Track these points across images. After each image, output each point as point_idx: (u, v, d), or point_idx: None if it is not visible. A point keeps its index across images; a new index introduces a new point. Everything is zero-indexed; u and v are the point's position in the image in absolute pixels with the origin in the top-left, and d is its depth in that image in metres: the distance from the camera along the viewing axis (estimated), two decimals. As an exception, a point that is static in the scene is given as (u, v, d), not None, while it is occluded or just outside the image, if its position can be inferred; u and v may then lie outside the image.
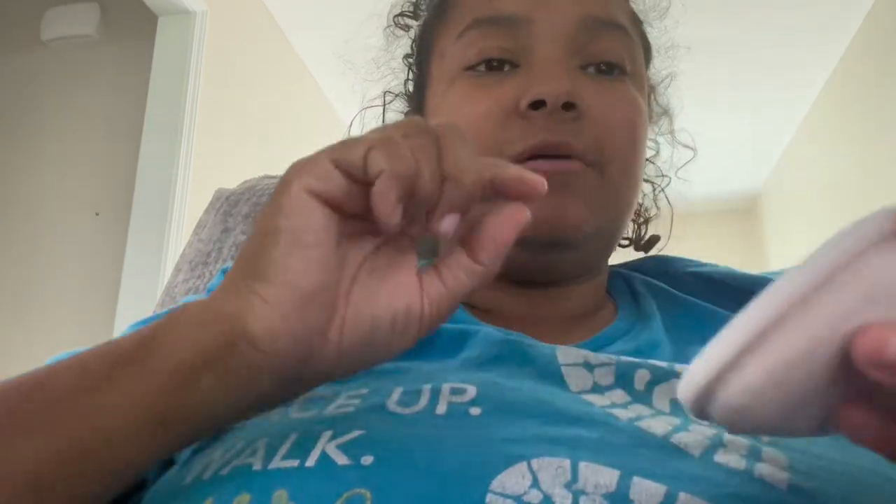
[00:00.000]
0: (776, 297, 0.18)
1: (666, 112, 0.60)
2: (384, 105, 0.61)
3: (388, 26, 0.61)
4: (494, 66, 0.46)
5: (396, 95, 0.61)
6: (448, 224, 0.27)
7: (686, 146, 0.61)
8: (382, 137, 0.26)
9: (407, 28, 0.60)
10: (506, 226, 0.28)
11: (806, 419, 0.20)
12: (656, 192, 0.62)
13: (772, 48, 2.65)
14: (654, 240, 0.60)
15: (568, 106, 0.42)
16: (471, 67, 0.46)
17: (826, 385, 0.19)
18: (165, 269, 1.79)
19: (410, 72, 0.59)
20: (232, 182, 0.83)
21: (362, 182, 0.26)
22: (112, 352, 0.28)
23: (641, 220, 0.61)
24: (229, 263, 0.52)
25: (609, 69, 0.46)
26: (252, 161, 2.21)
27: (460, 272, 0.29)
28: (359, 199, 0.26)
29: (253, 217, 0.72)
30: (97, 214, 2.01)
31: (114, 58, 2.16)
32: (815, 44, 2.65)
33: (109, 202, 2.00)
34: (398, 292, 0.28)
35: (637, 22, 0.52)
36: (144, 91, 1.99)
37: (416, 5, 0.59)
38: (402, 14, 0.60)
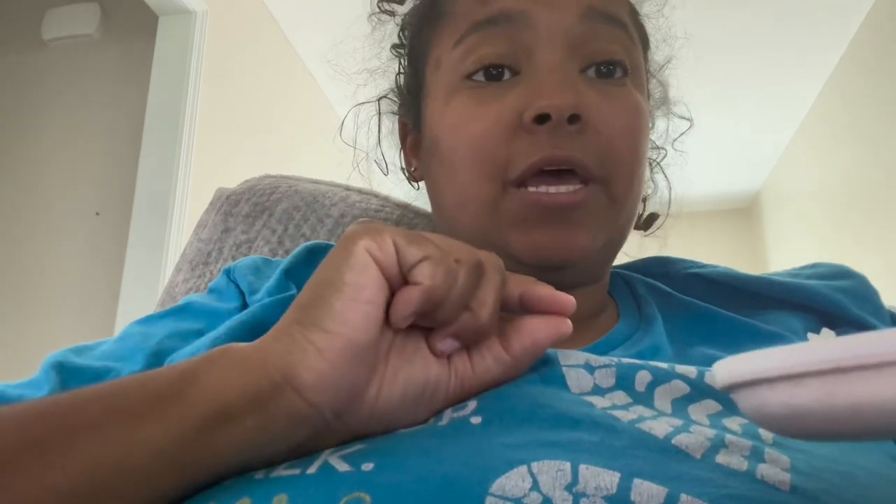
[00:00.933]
0: (887, 341, 0.16)
1: (665, 96, 0.59)
2: (379, 113, 0.61)
3: (373, 14, 0.59)
4: (494, 74, 0.45)
5: (386, 94, 0.60)
6: (447, 347, 0.30)
7: (682, 117, 0.60)
8: (439, 254, 0.29)
9: (392, 13, 0.58)
10: (547, 331, 0.32)
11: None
12: (653, 167, 0.61)
13: (770, 49, 2.65)
14: (653, 217, 0.60)
15: (573, 119, 0.42)
16: (470, 76, 0.45)
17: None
18: (166, 268, 1.79)
19: (400, 65, 0.58)
20: (232, 181, 0.83)
21: (402, 277, 0.29)
22: (148, 384, 0.28)
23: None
24: (230, 263, 0.52)
25: (610, 71, 0.45)
26: (252, 160, 2.21)
27: (489, 358, 0.32)
28: (397, 283, 0.29)
29: (253, 217, 0.72)
30: (98, 214, 2.02)
31: (114, 57, 2.16)
32: (814, 44, 2.65)
33: (110, 202, 2.00)
34: (430, 362, 0.31)
35: (634, 13, 0.52)
36: (145, 91, 1.99)
37: None
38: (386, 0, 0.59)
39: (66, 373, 0.40)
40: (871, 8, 2.44)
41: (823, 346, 0.17)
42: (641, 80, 0.49)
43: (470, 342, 0.31)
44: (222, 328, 0.42)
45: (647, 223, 0.59)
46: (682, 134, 0.61)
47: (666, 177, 0.61)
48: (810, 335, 0.30)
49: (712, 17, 2.40)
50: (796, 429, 0.19)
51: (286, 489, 0.25)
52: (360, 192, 0.76)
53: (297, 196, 0.74)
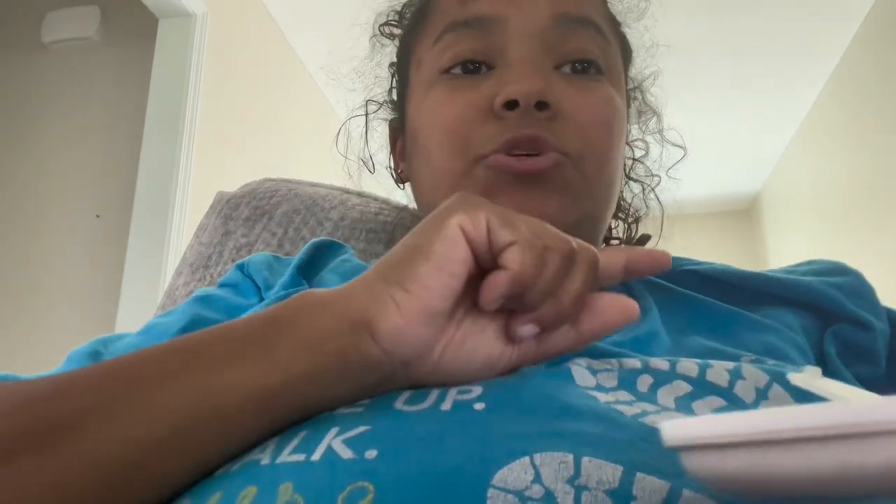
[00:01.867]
0: (803, 417, 0.17)
1: (654, 110, 0.60)
2: (366, 115, 0.62)
3: (374, 35, 0.61)
4: (470, 68, 0.47)
5: (381, 104, 0.62)
6: (526, 332, 0.31)
7: (675, 145, 0.62)
8: (531, 239, 0.29)
9: (392, 37, 0.60)
10: (618, 315, 0.33)
11: None
12: (646, 191, 0.62)
13: (769, 51, 2.66)
14: (645, 238, 0.61)
15: (541, 105, 0.43)
16: (447, 70, 0.47)
17: None
18: (166, 271, 1.79)
19: (394, 80, 0.60)
20: (232, 184, 0.83)
21: (491, 255, 0.30)
22: (226, 333, 0.29)
23: (632, 219, 0.61)
24: (230, 266, 0.53)
25: (584, 68, 0.47)
26: (252, 163, 2.21)
27: (557, 334, 0.32)
28: (486, 259, 0.30)
29: (253, 220, 0.73)
30: (98, 217, 2.02)
31: (114, 60, 2.16)
32: (813, 47, 2.66)
33: (110, 204, 2.01)
34: (499, 336, 0.32)
35: (615, 24, 0.53)
36: (145, 93, 1.99)
37: (400, 14, 0.60)
38: (387, 23, 0.61)
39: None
40: (870, 11, 2.44)
41: (746, 419, 0.18)
42: (618, 80, 0.50)
43: (549, 328, 0.32)
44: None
45: (638, 244, 0.60)
46: (676, 162, 0.63)
47: (659, 200, 0.62)
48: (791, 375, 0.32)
49: (711, 21, 2.40)
50: (730, 492, 0.20)
51: (291, 477, 0.25)
52: (359, 195, 0.77)
53: (296, 199, 0.74)
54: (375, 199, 0.77)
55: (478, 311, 0.31)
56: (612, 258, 0.33)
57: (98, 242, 1.99)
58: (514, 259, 0.29)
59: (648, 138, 0.61)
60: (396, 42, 0.60)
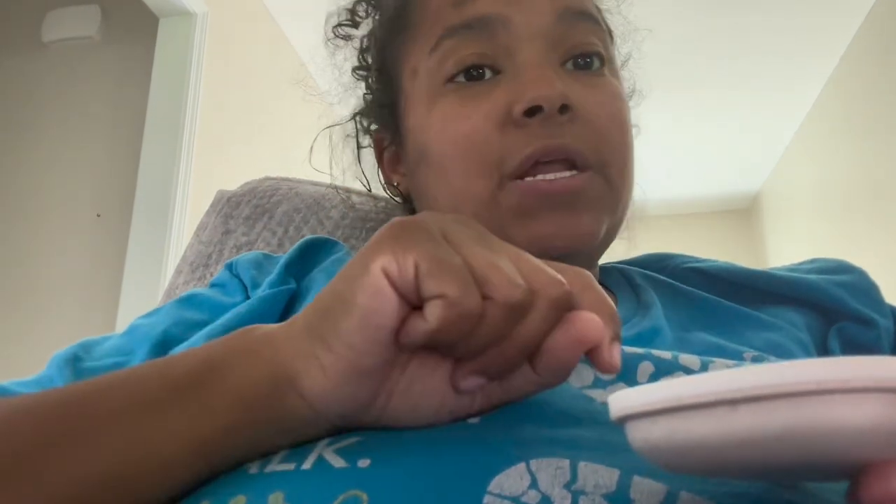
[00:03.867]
0: (716, 382, 0.18)
1: (631, 95, 0.59)
2: (357, 132, 0.60)
3: (329, 39, 0.59)
4: (474, 74, 0.45)
5: (360, 113, 0.59)
6: (469, 385, 0.27)
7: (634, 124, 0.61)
8: (462, 294, 0.24)
9: (348, 38, 0.58)
10: (572, 348, 0.26)
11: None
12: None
13: (770, 50, 2.66)
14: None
15: (564, 109, 0.42)
16: (451, 79, 0.45)
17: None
18: (166, 270, 1.79)
19: (368, 84, 0.58)
20: (233, 183, 0.83)
21: (420, 299, 0.25)
22: (167, 373, 0.29)
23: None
24: (233, 259, 0.52)
25: (587, 63, 0.46)
26: (253, 163, 2.21)
27: (518, 377, 0.28)
28: (418, 303, 0.25)
29: (254, 219, 0.73)
30: (98, 216, 2.02)
31: (115, 59, 2.16)
32: (814, 46, 2.66)
33: (111, 203, 2.01)
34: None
35: (598, 9, 0.52)
36: (145, 93, 1.99)
37: (352, 12, 0.58)
38: (339, 25, 0.58)
39: (80, 373, 0.40)
40: (871, 9, 2.44)
41: (667, 386, 0.19)
42: (616, 70, 0.50)
43: (496, 378, 0.27)
44: (219, 322, 0.42)
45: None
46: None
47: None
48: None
49: (711, 19, 2.40)
50: (656, 461, 0.20)
51: (282, 486, 0.25)
52: (360, 194, 0.77)
53: (297, 198, 0.74)
54: (376, 197, 0.76)
55: (427, 355, 0.27)
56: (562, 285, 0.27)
57: (99, 241, 1.98)
58: (433, 315, 0.24)
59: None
60: (354, 43, 0.57)
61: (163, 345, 0.42)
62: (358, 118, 0.60)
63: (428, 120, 0.46)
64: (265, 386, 0.27)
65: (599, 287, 0.28)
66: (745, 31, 2.54)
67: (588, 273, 0.28)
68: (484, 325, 0.25)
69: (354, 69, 0.59)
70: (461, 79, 0.45)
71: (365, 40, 0.57)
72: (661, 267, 0.53)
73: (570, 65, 0.46)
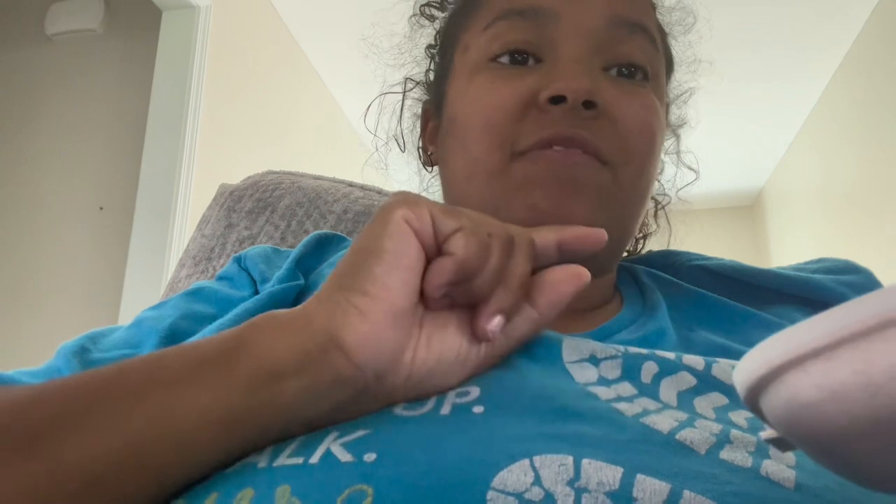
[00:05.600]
0: None
1: (674, 132, 0.60)
2: (404, 92, 0.61)
3: (414, 15, 0.61)
4: (518, 59, 0.46)
5: (417, 83, 0.61)
6: (495, 325, 0.30)
7: (690, 168, 0.61)
8: (473, 228, 0.30)
9: (432, 18, 0.60)
10: (569, 282, 0.33)
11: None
12: (658, 209, 0.62)
13: (775, 46, 2.64)
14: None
15: (588, 104, 0.42)
16: (495, 59, 0.46)
17: None
18: (169, 263, 1.79)
19: (433, 62, 0.59)
20: (235, 177, 0.83)
21: (437, 246, 0.30)
22: (189, 353, 0.29)
23: (640, 234, 0.61)
24: (242, 252, 0.52)
25: (631, 73, 0.46)
26: (256, 156, 2.21)
27: (518, 319, 0.32)
28: (432, 251, 0.30)
29: (256, 213, 0.72)
30: (101, 209, 2.02)
31: (118, 52, 2.16)
32: (819, 42, 2.64)
33: (114, 196, 2.01)
34: (462, 330, 0.31)
35: (662, 33, 0.52)
36: (148, 85, 1.99)
37: None
38: (428, 4, 0.60)
39: (88, 364, 0.40)
40: (876, 5, 2.42)
41: (847, 310, 0.15)
42: (661, 90, 0.49)
43: (510, 315, 0.31)
44: (229, 315, 0.42)
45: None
46: (687, 185, 0.62)
47: (668, 221, 0.62)
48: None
49: (716, 14, 2.39)
50: (829, 420, 0.16)
51: (288, 479, 0.25)
52: (362, 188, 0.76)
53: (299, 192, 0.74)
54: (379, 192, 0.76)
55: (436, 312, 0.31)
56: (544, 238, 0.34)
57: (101, 234, 1.99)
58: (458, 245, 0.29)
59: (664, 158, 0.61)
60: (436, 24, 0.59)
61: (171, 338, 0.42)
62: (409, 87, 0.62)
63: (465, 91, 0.48)
64: (300, 353, 0.27)
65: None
66: (748, 26, 2.53)
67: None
68: (489, 258, 0.30)
69: (428, 47, 0.60)
70: (504, 60, 0.46)
71: (444, 22, 0.59)
72: (666, 264, 0.53)
73: (613, 72, 0.46)
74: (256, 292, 0.47)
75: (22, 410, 0.28)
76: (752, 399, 0.18)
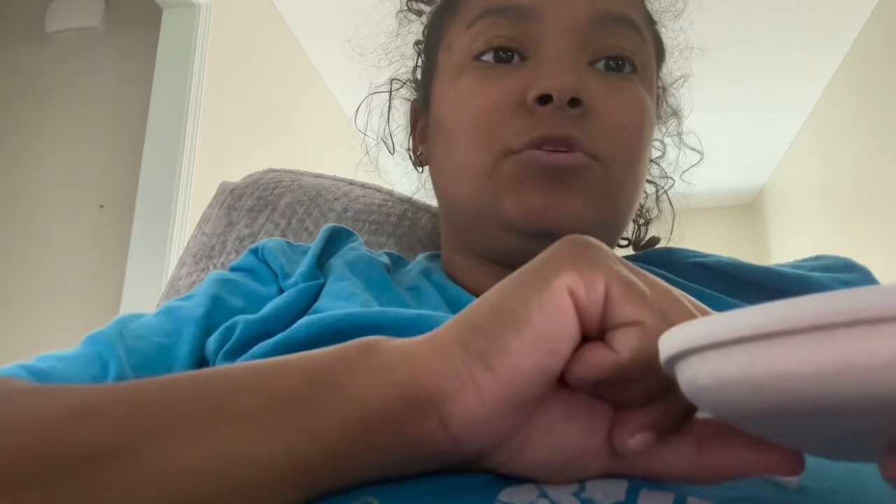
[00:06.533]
0: (812, 306, 0.15)
1: (675, 113, 0.59)
2: (390, 92, 0.61)
3: (401, 11, 0.61)
4: (502, 57, 0.46)
5: (404, 83, 0.61)
6: (638, 443, 0.23)
7: (693, 149, 0.61)
8: (657, 325, 0.22)
9: (420, 13, 0.60)
10: (753, 467, 0.23)
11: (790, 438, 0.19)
12: (659, 193, 0.62)
13: (775, 44, 2.64)
14: (654, 241, 0.61)
15: (574, 102, 0.42)
16: (478, 57, 0.46)
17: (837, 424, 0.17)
18: (169, 261, 1.79)
19: (420, 59, 0.59)
20: (236, 175, 0.83)
21: (601, 325, 0.23)
22: (267, 384, 0.24)
23: (642, 220, 0.61)
24: (234, 257, 0.52)
25: (618, 66, 0.46)
26: (256, 154, 2.21)
27: (670, 452, 0.24)
28: (593, 329, 0.23)
29: (257, 211, 0.72)
30: (102, 207, 2.02)
31: (118, 50, 2.16)
32: (820, 40, 2.64)
33: (114, 194, 2.01)
34: (598, 428, 0.24)
35: (651, 22, 0.52)
36: (149, 83, 1.99)
37: None
38: None
39: (132, 353, 0.40)
40: (877, 5, 2.42)
41: (748, 313, 0.16)
42: (651, 81, 0.49)
43: (664, 436, 0.24)
44: (259, 314, 0.42)
45: (647, 246, 0.59)
46: (692, 166, 0.62)
47: (671, 204, 0.62)
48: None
49: (717, 13, 2.39)
50: (722, 404, 0.18)
51: None
52: (363, 186, 0.77)
53: (300, 190, 0.74)
54: (379, 190, 0.76)
55: (574, 396, 0.24)
56: None
57: (102, 232, 1.99)
58: (629, 345, 0.22)
59: (666, 140, 0.61)
60: (423, 19, 0.59)
61: (207, 330, 0.42)
62: (394, 84, 0.61)
63: (449, 91, 0.48)
64: (396, 408, 0.23)
65: None
66: (749, 26, 2.52)
67: None
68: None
69: (416, 43, 0.60)
70: (489, 58, 0.46)
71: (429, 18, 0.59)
72: (665, 262, 0.53)
73: (601, 65, 0.46)
74: (279, 287, 0.47)
75: (61, 431, 0.23)
76: (668, 369, 0.20)
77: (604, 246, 0.24)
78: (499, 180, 0.43)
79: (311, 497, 0.24)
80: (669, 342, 0.19)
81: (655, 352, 0.21)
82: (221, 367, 0.26)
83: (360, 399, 0.23)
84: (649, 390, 0.23)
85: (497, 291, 0.24)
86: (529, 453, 0.24)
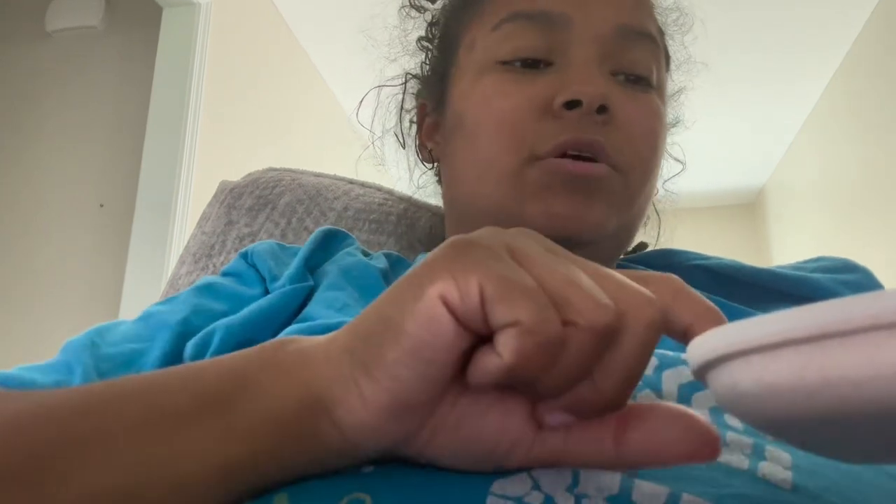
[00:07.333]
0: (869, 304, 0.14)
1: (674, 125, 0.61)
2: (405, 83, 0.62)
3: (403, 7, 0.61)
4: (529, 63, 0.47)
5: (414, 76, 0.61)
6: (555, 421, 0.23)
7: (676, 159, 0.63)
8: (541, 317, 0.20)
9: (422, 10, 0.60)
10: (680, 449, 0.22)
11: (839, 448, 0.18)
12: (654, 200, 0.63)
13: (775, 45, 2.64)
14: (642, 246, 0.61)
15: (602, 109, 0.43)
16: (504, 62, 0.47)
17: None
18: (169, 260, 1.79)
19: (427, 55, 0.60)
20: (236, 174, 0.83)
21: (489, 327, 0.21)
22: (190, 383, 0.26)
23: None
24: (233, 256, 0.52)
25: (637, 79, 0.47)
26: (256, 153, 2.21)
27: (590, 440, 0.24)
28: (483, 330, 0.22)
29: (256, 210, 0.72)
30: (102, 206, 2.02)
31: (118, 49, 2.16)
32: (820, 41, 2.64)
33: (114, 193, 2.01)
34: (510, 422, 0.24)
35: (661, 34, 0.54)
36: (149, 82, 1.99)
37: None
38: None
39: (100, 359, 0.39)
40: (876, 6, 2.42)
41: (798, 314, 0.15)
42: (664, 93, 0.51)
43: (587, 417, 0.23)
44: (239, 315, 0.42)
45: (635, 251, 0.60)
46: (674, 175, 0.63)
47: (657, 211, 0.64)
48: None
49: (717, 14, 2.39)
50: (767, 411, 0.17)
51: (285, 488, 0.25)
52: (363, 185, 0.77)
53: (300, 189, 0.74)
54: (379, 189, 0.76)
55: (483, 391, 0.24)
56: (686, 312, 0.23)
57: (102, 231, 1.99)
58: (507, 347, 0.20)
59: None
60: (426, 16, 0.60)
61: (182, 335, 0.42)
62: (408, 80, 0.62)
63: (472, 90, 0.48)
64: (294, 409, 0.24)
65: (693, 290, 0.24)
66: (749, 25, 2.52)
67: (676, 277, 0.24)
68: (567, 355, 0.21)
69: (419, 39, 0.61)
70: (515, 65, 0.47)
71: (436, 14, 0.60)
72: (666, 264, 0.53)
73: (620, 77, 0.47)
74: (265, 290, 0.47)
75: (17, 433, 0.25)
76: (700, 376, 0.19)
77: (493, 240, 0.23)
78: (524, 185, 0.44)
79: (240, 496, 0.25)
80: (703, 348, 0.18)
81: (544, 349, 0.20)
82: (158, 371, 0.28)
83: (266, 398, 0.24)
84: (558, 381, 0.22)
85: (384, 297, 0.24)
86: (439, 447, 0.24)
